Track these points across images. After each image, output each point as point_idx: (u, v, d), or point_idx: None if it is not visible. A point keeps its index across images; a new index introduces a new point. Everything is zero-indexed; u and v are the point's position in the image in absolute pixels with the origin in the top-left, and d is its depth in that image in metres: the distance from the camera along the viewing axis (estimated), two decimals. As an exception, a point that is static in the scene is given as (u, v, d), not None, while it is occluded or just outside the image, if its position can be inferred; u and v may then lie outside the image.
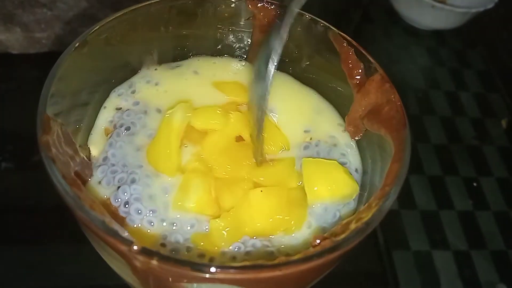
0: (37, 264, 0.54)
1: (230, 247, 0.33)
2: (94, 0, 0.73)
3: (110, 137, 0.38)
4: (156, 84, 0.43)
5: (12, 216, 0.57)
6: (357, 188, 0.37)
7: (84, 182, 0.35)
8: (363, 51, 0.38)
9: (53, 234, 0.56)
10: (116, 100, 0.41)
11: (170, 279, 0.28)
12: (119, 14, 0.38)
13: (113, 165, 0.36)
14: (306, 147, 0.40)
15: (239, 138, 0.40)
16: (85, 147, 0.38)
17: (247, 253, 0.34)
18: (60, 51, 0.34)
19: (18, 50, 0.72)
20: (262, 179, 0.37)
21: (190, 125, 0.39)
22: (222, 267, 0.26)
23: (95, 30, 0.36)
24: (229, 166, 0.37)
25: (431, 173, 0.72)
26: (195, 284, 0.29)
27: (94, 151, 0.38)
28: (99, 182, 0.36)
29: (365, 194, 0.37)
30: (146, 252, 0.26)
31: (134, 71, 0.43)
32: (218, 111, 0.40)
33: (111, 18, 0.37)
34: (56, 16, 0.71)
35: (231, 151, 0.38)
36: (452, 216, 0.69)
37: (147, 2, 0.39)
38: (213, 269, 0.26)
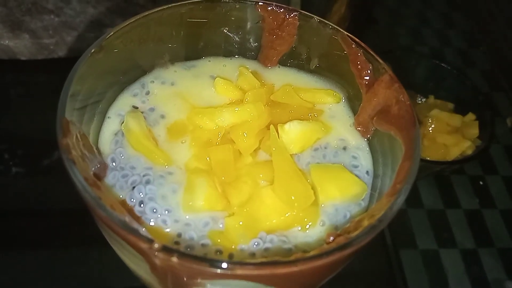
0: (47, 267, 0.54)
1: (249, 244, 0.34)
2: (101, 6, 0.74)
3: (115, 135, 0.39)
4: (172, 85, 0.43)
5: (22, 220, 0.58)
6: (365, 187, 0.38)
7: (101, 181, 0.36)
8: (372, 52, 0.38)
9: (63, 238, 0.56)
10: (130, 99, 0.42)
11: (189, 276, 0.29)
12: (133, 20, 0.38)
13: (122, 168, 0.37)
14: (316, 149, 0.40)
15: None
16: (97, 147, 0.38)
17: (266, 249, 0.34)
18: (68, 56, 0.35)
19: (27, 56, 0.72)
20: (261, 175, 0.37)
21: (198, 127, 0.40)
22: (241, 263, 0.27)
23: (110, 36, 0.37)
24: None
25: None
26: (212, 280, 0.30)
27: (105, 150, 0.38)
28: (113, 186, 0.36)
29: (376, 194, 0.37)
30: (166, 249, 0.27)
31: (145, 72, 0.44)
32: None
33: (125, 24, 0.38)
34: (63, 22, 0.72)
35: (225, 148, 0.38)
36: (459, 215, 0.69)
37: (159, 8, 0.40)
38: (232, 266, 0.26)
